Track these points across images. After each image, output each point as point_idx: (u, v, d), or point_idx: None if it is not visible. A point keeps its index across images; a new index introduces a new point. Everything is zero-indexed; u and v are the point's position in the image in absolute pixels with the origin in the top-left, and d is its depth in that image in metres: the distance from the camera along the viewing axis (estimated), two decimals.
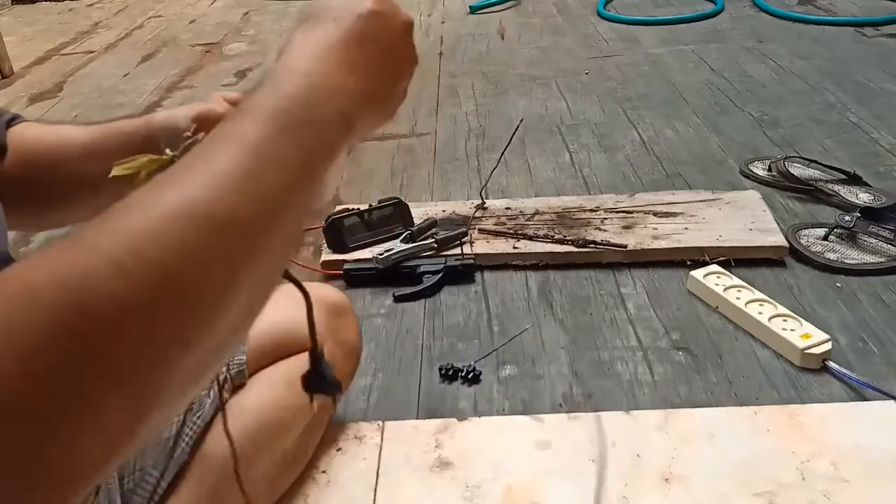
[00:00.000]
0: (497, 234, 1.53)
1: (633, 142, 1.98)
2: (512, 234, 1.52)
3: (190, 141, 0.66)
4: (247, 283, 0.39)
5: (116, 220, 0.36)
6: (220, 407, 0.87)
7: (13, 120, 0.80)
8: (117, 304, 0.33)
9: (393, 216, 1.55)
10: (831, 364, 1.15)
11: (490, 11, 3.26)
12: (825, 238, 1.46)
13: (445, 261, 1.44)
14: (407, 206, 1.57)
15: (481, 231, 1.54)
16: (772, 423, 1.04)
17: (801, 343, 1.16)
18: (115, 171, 0.65)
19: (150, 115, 0.78)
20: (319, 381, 0.62)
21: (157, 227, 0.36)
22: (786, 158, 1.69)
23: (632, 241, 1.46)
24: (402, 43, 0.53)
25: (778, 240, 1.44)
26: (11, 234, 0.70)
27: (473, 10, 3.27)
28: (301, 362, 0.93)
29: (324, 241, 1.52)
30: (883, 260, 1.40)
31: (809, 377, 1.15)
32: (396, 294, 1.41)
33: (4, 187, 0.74)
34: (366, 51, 0.50)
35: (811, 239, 1.46)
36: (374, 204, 1.56)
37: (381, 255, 1.44)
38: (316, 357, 0.61)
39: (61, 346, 0.32)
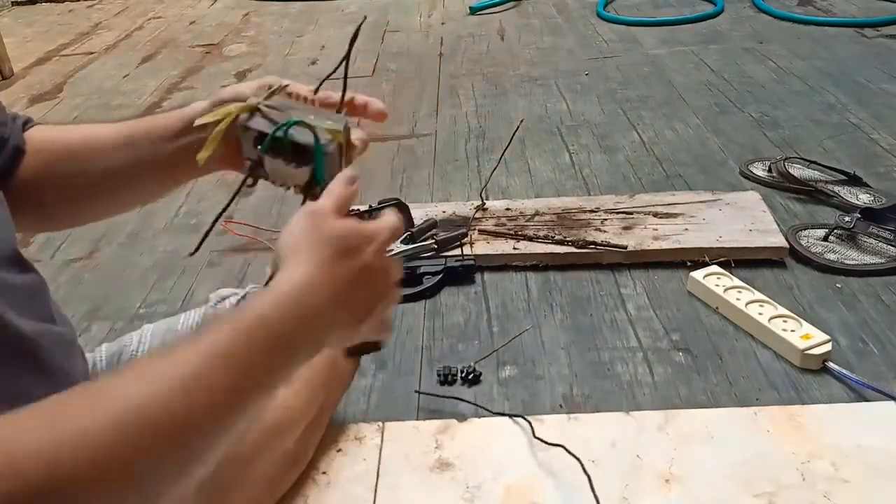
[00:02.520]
0: (497, 234, 1.53)
1: (633, 142, 1.98)
2: (512, 234, 1.52)
3: (275, 88, 0.68)
4: (182, 477, 0.48)
5: (87, 404, 0.44)
6: None
7: (27, 123, 0.79)
8: (76, 480, 0.41)
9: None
10: (831, 365, 1.15)
11: (490, 12, 3.26)
12: (825, 239, 1.46)
13: (445, 261, 1.44)
14: (407, 206, 1.57)
15: (481, 232, 1.54)
16: (772, 424, 1.04)
17: (801, 344, 1.16)
18: (200, 120, 0.68)
19: (183, 110, 0.75)
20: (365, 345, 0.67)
21: (113, 426, 0.43)
22: (786, 159, 1.69)
23: (632, 241, 1.46)
24: (374, 272, 0.60)
25: (778, 240, 1.44)
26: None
27: (473, 10, 3.27)
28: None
29: None
30: (883, 261, 1.40)
31: (809, 378, 1.15)
32: None
33: (27, 188, 0.74)
34: (340, 276, 0.58)
35: (811, 240, 1.47)
36: (374, 205, 1.56)
37: None
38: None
39: None
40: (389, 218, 0.64)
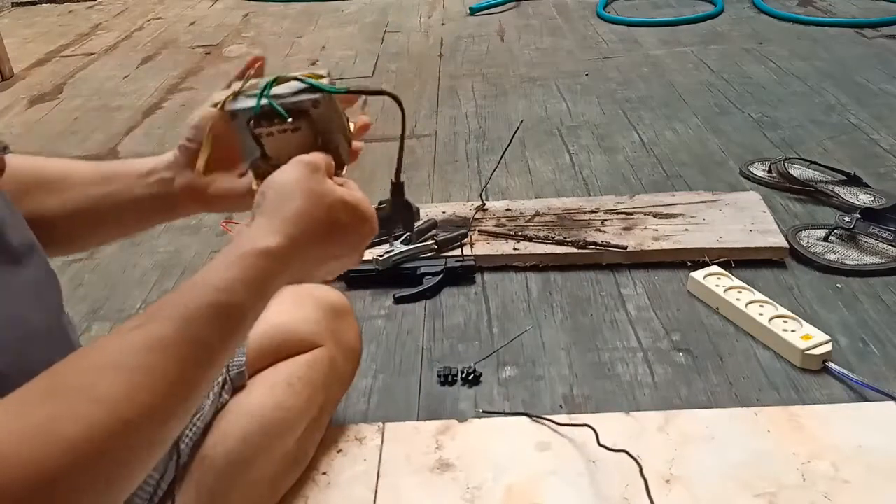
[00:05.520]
0: (497, 235, 1.53)
1: (633, 143, 1.98)
2: (512, 235, 1.52)
3: (249, 72, 0.68)
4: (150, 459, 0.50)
5: (65, 404, 0.46)
6: (220, 408, 0.87)
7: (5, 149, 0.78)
8: (64, 482, 0.44)
9: (393, 217, 1.55)
10: (831, 365, 1.15)
11: (490, 13, 3.27)
12: (825, 239, 1.46)
13: (446, 262, 1.44)
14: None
15: (481, 232, 1.54)
16: (772, 424, 1.04)
17: (801, 344, 1.16)
18: (192, 118, 0.69)
19: (156, 157, 0.76)
20: (405, 210, 0.76)
21: (90, 429, 0.45)
22: (786, 160, 1.69)
23: (632, 242, 1.46)
24: (352, 240, 0.64)
25: (778, 241, 1.44)
26: None
27: (473, 11, 3.28)
28: (300, 364, 0.94)
29: None
30: (883, 261, 1.40)
31: (810, 378, 1.15)
32: (397, 295, 1.41)
33: None
34: (314, 249, 0.60)
35: (811, 240, 1.47)
36: (374, 205, 1.55)
37: (381, 256, 1.44)
38: (399, 185, 0.79)
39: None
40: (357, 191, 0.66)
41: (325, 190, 0.60)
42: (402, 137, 0.71)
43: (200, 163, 0.67)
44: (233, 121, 0.65)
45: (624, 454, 0.98)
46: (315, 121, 0.64)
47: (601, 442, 1.01)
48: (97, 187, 0.75)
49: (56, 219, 0.75)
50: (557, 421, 1.07)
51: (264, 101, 0.63)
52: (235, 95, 0.65)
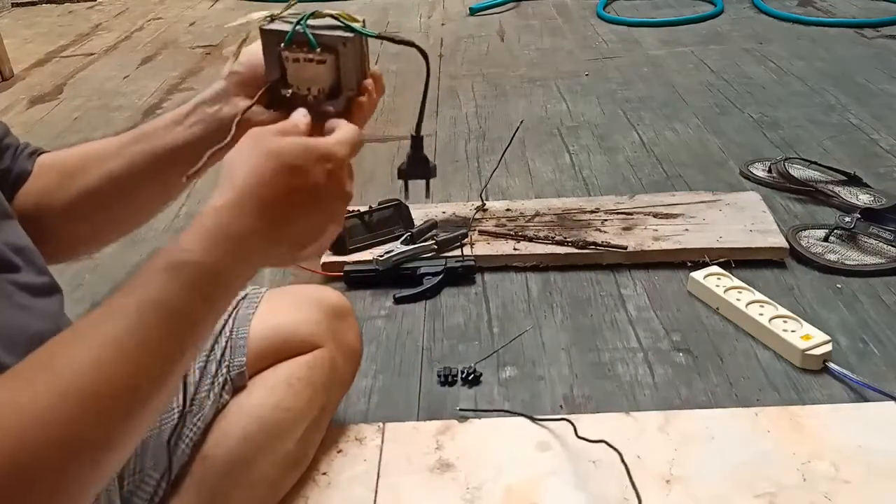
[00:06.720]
0: (497, 235, 1.53)
1: (633, 143, 1.98)
2: (512, 235, 1.52)
3: (292, 2, 0.70)
4: (134, 435, 0.50)
5: (39, 386, 0.45)
6: (220, 409, 0.87)
7: (35, 153, 0.78)
8: (39, 463, 0.44)
9: (393, 218, 1.55)
10: (832, 365, 1.15)
11: (490, 13, 3.27)
12: (825, 239, 1.46)
13: (446, 262, 1.44)
14: (407, 207, 1.57)
15: (481, 233, 1.54)
16: (772, 425, 1.04)
17: (801, 344, 1.16)
18: (230, 25, 0.76)
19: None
20: (422, 164, 0.77)
21: (63, 408, 0.45)
22: (786, 160, 1.69)
23: (632, 242, 1.46)
24: (321, 194, 0.59)
25: (778, 241, 1.44)
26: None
27: (473, 11, 3.28)
28: (300, 364, 0.94)
29: None
30: (883, 261, 1.40)
31: (810, 378, 1.15)
32: (397, 296, 1.41)
33: (32, 216, 0.72)
34: (274, 199, 0.57)
35: (811, 240, 1.47)
36: (375, 205, 1.56)
37: (381, 256, 1.44)
38: (418, 139, 0.78)
39: None
40: (346, 131, 0.63)
41: (269, 141, 0.59)
42: (425, 92, 0.77)
43: (228, 66, 0.70)
44: (264, 40, 0.68)
45: (604, 444, 0.99)
46: (340, 58, 0.67)
47: (579, 434, 1.02)
48: (132, 147, 0.74)
49: (101, 192, 0.74)
50: (536, 417, 1.08)
51: (299, 28, 0.66)
52: (273, 18, 0.69)
